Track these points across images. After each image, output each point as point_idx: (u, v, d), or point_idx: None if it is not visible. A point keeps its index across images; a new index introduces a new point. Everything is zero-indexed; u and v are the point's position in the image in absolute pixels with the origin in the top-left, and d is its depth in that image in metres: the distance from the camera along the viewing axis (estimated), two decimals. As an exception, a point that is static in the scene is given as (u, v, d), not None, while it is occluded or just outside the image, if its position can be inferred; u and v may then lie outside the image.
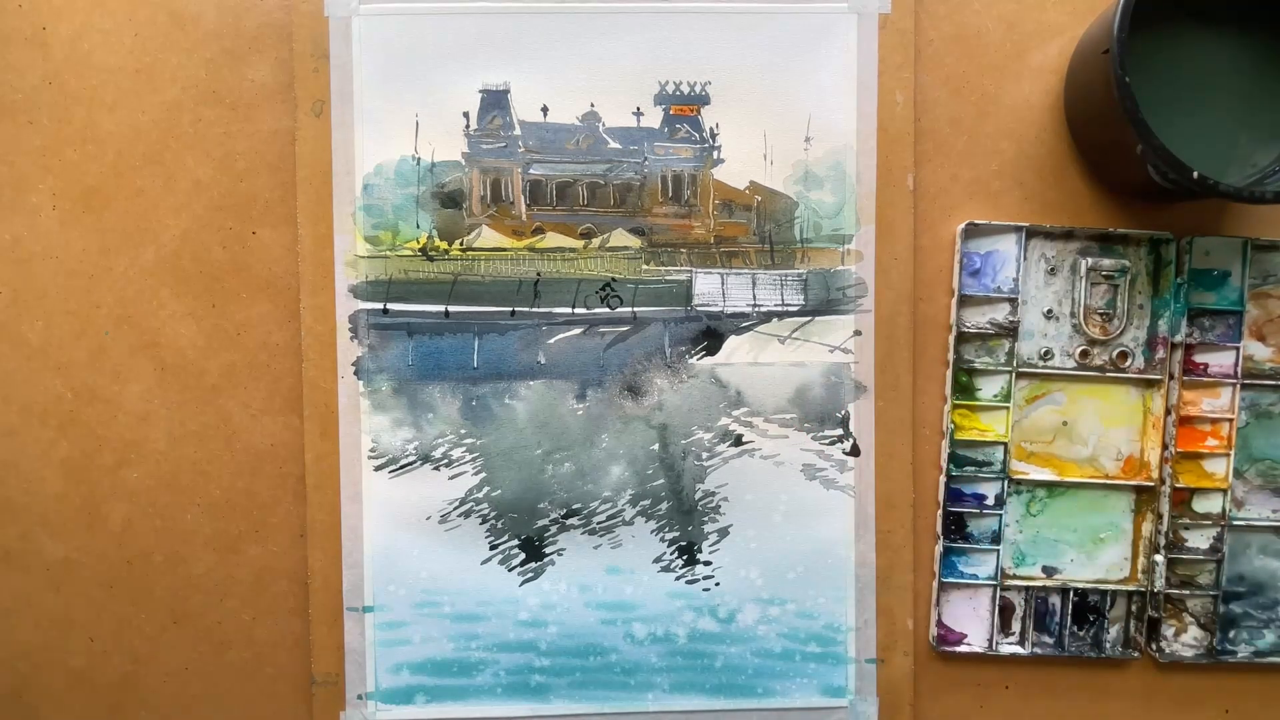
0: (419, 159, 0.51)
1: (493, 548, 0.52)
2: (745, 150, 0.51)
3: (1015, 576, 0.53)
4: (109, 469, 0.52)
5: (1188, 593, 0.52)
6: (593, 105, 0.51)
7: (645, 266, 0.52)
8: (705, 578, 0.52)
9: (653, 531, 0.52)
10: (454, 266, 0.51)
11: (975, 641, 0.53)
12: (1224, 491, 0.52)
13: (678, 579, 0.52)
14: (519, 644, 0.52)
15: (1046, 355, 0.52)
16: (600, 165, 0.51)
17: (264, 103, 0.51)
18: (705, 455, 0.52)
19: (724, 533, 0.52)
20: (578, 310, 0.52)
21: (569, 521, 0.52)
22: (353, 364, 0.51)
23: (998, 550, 0.52)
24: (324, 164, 0.51)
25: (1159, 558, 0.52)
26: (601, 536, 0.52)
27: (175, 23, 0.51)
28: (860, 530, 0.52)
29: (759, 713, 0.53)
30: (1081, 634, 0.53)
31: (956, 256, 0.51)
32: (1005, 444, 0.52)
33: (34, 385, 0.52)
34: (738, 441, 0.52)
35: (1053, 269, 0.52)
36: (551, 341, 0.52)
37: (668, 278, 0.52)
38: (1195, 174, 0.44)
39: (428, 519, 0.52)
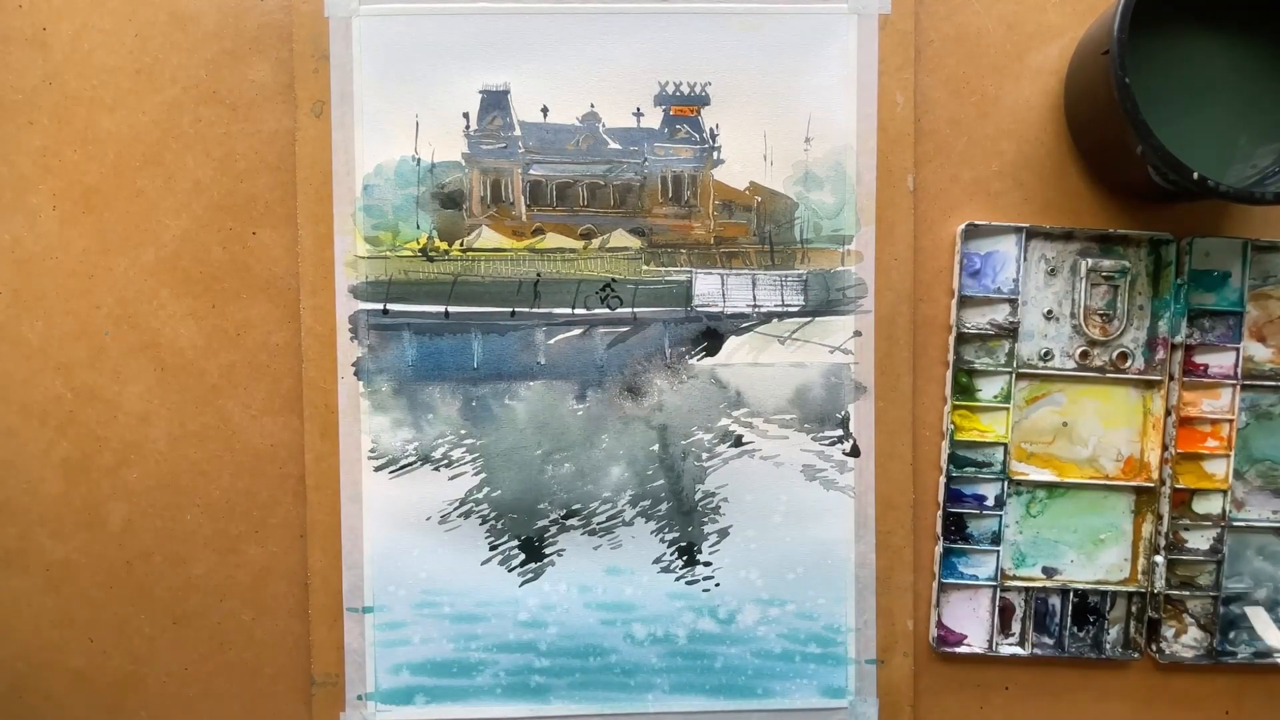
0: (419, 159, 0.51)
1: (492, 548, 0.52)
2: (745, 151, 0.51)
3: (1015, 577, 0.53)
4: (109, 469, 0.52)
5: (1188, 594, 0.52)
6: (593, 106, 0.51)
7: (645, 267, 0.52)
8: (705, 578, 0.52)
9: (653, 532, 0.52)
10: (454, 267, 0.51)
11: (975, 642, 0.53)
12: (1224, 492, 0.52)
13: (678, 580, 0.52)
14: (519, 644, 0.52)
15: (1046, 356, 0.52)
16: (600, 166, 0.51)
17: (264, 103, 0.51)
18: (705, 456, 0.52)
19: (724, 533, 0.52)
20: (578, 311, 0.52)
21: (569, 522, 0.52)
22: (353, 364, 0.51)
23: (998, 551, 0.52)
24: (324, 164, 0.51)
25: (1159, 559, 0.52)
26: (601, 537, 0.52)
27: (175, 23, 0.51)
28: (860, 531, 0.52)
29: (759, 713, 0.53)
30: (1081, 635, 0.53)
31: (956, 257, 0.51)
32: (1005, 445, 0.52)
33: (34, 385, 0.52)
34: (738, 442, 0.52)
35: (1053, 270, 0.52)
36: (551, 342, 0.52)
37: (668, 278, 0.52)
38: (1195, 175, 0.44)
39: (428, 519, 0.52)
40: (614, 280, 0.52)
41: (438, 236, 0.51)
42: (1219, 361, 0.52)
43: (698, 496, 0.52)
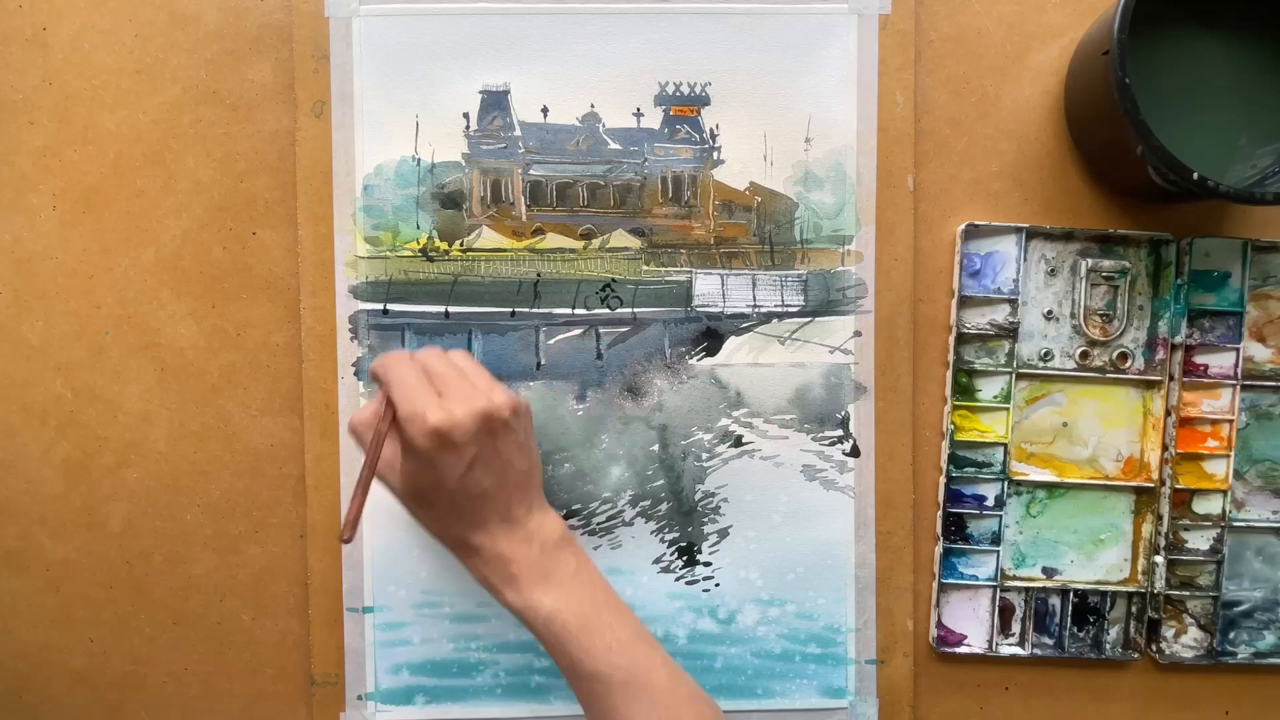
0: (419, 160, 0.51)
1: (492, 548, 0.52)
2: (745, 151, 0.51)
3: (1015, 578, 0.53)
4: (109, 469, 0.52)
5: (1188, 594, 0.52)
6: (593, 106, 0.51)
7: (645, 267, 0.52)
8: (705, 579, 0.52)
9: (653, 532, 0.52)
10: (454, 267, 0.51)
11: (975, 643, 0.53)
12: (1224, 493, 0.52)
13: (677, 580, 0.52)
14: (519, 645, 0.52)
15: (1046, 356, 0.52)
16: (600, 166, 0.51)
17: (264, 103, 0.51)
18: (705, 456, 0.52)
19: (724, 533, 0.52)
20: (578, 311, 0.52)
21: (569, 522, 0.52)
22: (353, 364, 0.51)
23: (997, 551, 0.52)
24: (324, 164, 0.51)
25: (1159, 559, 0.52)
26: (601, 537, 0.52)
27: (175, 23, 0.51)
28: (860, 531, 0.52)
29: (759, 713, 0.53)
30: (1081, 635, 0.53)
31: (956, 257, 0.51)
32: (1005, 445, 0.52)
33: (34, 385, 0.52)
34: (738, 442, 0.52)
35: (1053, 270, 0.52)
36: (551, 342, 0.52)
37: (668, 278, 0.52)
38: (1195, 175, 0.44)
39: (428, 519, 0.52)
40: (614, 280, 0.52)
41: (438, 236, 0.51)
42: (1219, 362, 0.52)
43: (698, 496, 0.52)
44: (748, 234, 0.52)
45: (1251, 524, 0.52)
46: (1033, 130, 0.52)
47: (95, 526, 0.53)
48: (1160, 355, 0.52)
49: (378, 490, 0.52)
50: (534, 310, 0.52)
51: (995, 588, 0.53)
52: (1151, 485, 0.52)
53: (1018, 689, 0.54)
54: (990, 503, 0.52)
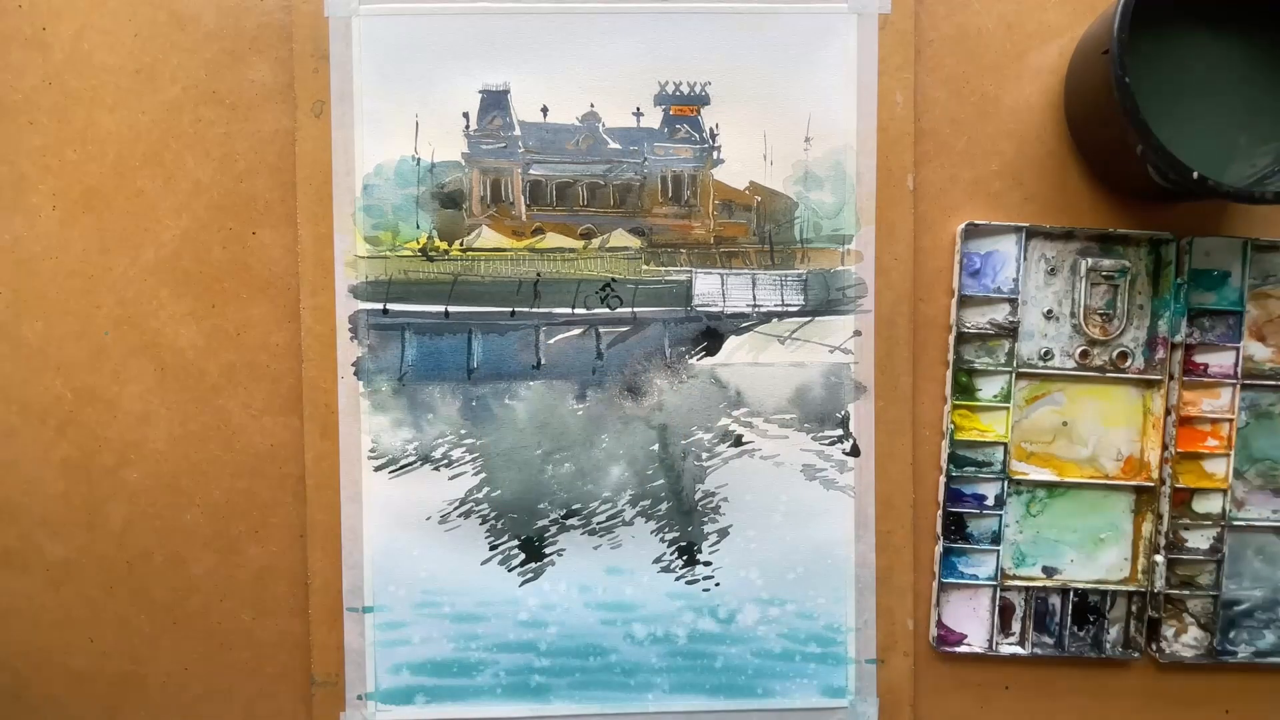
0: (419, 159, 0.51)
1: (492, 548, 0.52)
2: (745, 150, 0.51)
3: (1015, 577, 0.53)
4: (109, 469, 0.52)
5: (1188, 593, 0.52)
6: (592, 105, 0.51)
7: (645, 267, 0.52)
8: (705, 578, 0.52)
9: (653, 532, 0.52)
10: (454, 267, 0.51)
11: (975, 642, 0.53)
12: (1224, 492, 0.52)
13: (678, 579, 0.52)
14: (519, 644, 0.52)
15: (1046, 355, 0.52)
16: (600, 166, 0.51)
17: (264, 103, 0.51)
18: (705, 455, 0.52)
19: (724, 533, 0.52)
20: (578, 310, 0.52)
21: (569, 522, 0.52)
22: (353, 364, 0.51)
23: (998, 551, 0.52)
24: (324, 164, 0.51)
25: (1159, 558, 0.52)
26: (601, 537, 0.52)
27: (175, 23, 0.51)
28: (860, 531, 0.52)
29: (759, 713, 0.53)
30: (1082, 634, 0.53)
31: (956, 257, 0.51)
32: (1005, 444, 0.52)
33: (34, 385, 0.52)
34: (738, 442, 0.52)
35: (1053, 269, 0.52)
36: (551, 342, 0.52)
37: (668, 278, 0.52)
38: (1195, 174, 0.44)
39: (427, 519, 0.52)
40: (614, 280, 0.52)
41: (438, 236, 0.51)
42: (1219, 361, 0.52)
43: (698, 496, 0.52)
44: (748, 233, 0.52)
45: (1251, 523, 0.52)
46: (1033, 130, 0.52)
47: (95, 526, 0.53)
48: (1160, 354, 0.52)
49: (378, 488, 0.52)
50: (534, 310, 0.52)
51: (995, 587, 0.53)
52: (1151, 484, 0.52)
53: (1018, 688, 0.54)
54: (990, 502, 0.52)
